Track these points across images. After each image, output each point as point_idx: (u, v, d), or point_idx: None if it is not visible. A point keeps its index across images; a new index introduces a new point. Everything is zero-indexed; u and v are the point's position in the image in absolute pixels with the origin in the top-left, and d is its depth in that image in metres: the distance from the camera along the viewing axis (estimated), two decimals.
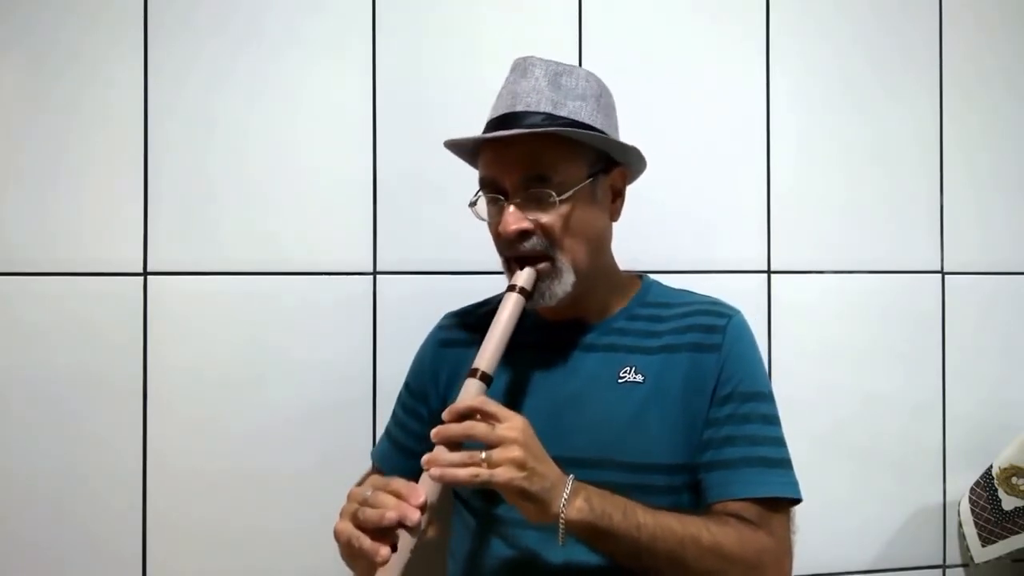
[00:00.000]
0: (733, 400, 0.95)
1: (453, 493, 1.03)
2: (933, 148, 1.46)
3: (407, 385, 1.13)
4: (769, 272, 1.40)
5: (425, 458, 0.80)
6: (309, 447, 1.24)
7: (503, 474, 0.77)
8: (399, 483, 0.80)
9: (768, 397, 0.98)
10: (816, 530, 1.35)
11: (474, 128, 1.30)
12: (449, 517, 1.08)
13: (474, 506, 0.99)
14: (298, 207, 1.26)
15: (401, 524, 0.76)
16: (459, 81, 1.31)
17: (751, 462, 0.92)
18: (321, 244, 1.27)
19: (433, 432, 0.81)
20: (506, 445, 0.79)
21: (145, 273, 1.22)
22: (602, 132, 0.95)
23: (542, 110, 0.93)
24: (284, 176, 1.26)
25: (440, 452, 0.80)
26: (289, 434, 1.25)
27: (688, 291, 1.08)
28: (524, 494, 0.79)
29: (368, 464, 1.17)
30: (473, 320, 1.10)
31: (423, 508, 0.78)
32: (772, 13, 1.40)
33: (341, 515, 0.82)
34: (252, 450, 1.24)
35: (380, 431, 1.19)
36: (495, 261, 1.30)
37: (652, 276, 1.11)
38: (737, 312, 1.01)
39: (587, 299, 1.00)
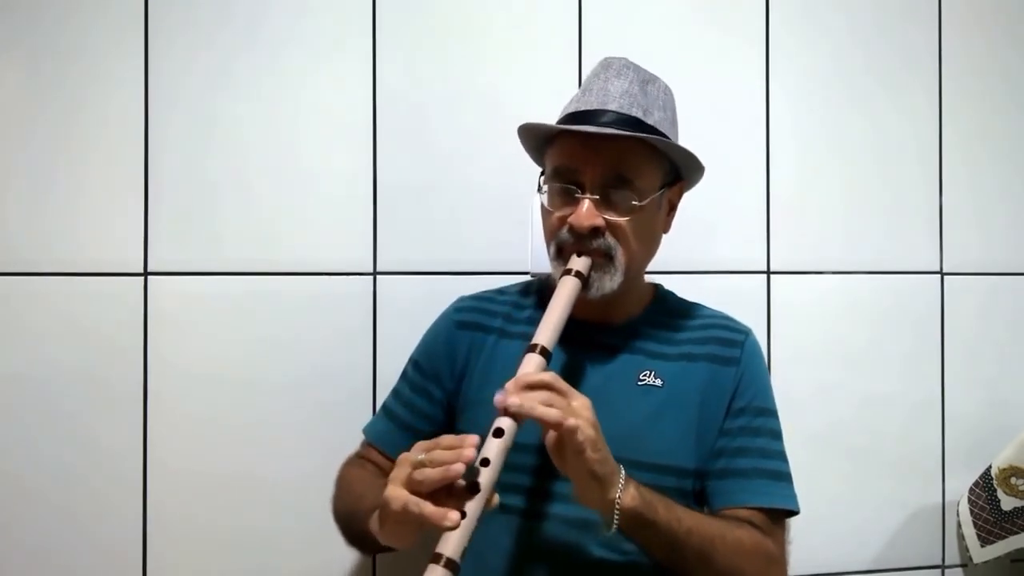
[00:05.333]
0: (747, 413, 0.99)
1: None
2: (932, 148, 1.47)
3: (416, 363, 1.11)
4: (769, 272, 1.40)
5: (499, 398, 0.78)
6: (309, 447, 1.24)
7: (586, 448, 0.78)
8: (449, 439, 0.78)
9: (776, 415, 1.02)
10: (815, 530, 1.35)
11: (475, 127, 1.31)
12: None
13: (514, 506, 0.97)
14: (298, 207, 1.26)
15: (467, 488, 0.75)
16: (459, 81, 1.31)
17: (761, 474, 0.96)
18: (321, 244, 1.27)
19: (499, 398, 0.79)
20: (582, 421, 0.79)
21: (145, 273, 1.22)
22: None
23: (633, 114, 0.95)
24: (284, 176, 1.26)
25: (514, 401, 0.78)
26: (289, 434, 1.25)
27: (700, 304, 1.11)
28: (593, 475, 0.79)
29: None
30: (493, 307, 1.10)
31: (485, 463, 0.76)
32: (772, 13, 1.41)
33: (391, 481, 0.78)
34: (252, 450, 1.24)
35: None
36: (495, 261, 1.31)
37: (658, 279, 1.14)
38: (751, 330, 1.06)
39: (615, 301, 1.01)
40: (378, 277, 1.28)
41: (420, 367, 1.10)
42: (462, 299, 1.14)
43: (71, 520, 1.19)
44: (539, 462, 0.96)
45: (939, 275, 1.46)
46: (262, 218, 1.25)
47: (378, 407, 1.25)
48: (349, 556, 1.25)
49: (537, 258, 1.30)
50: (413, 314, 1.21)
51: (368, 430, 1.11)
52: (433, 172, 1.30)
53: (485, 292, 1.15)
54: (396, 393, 1.11)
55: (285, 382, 1.25)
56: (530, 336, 0.88)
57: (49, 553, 1.18)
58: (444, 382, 1.07)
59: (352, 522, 0.97)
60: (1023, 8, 1.50)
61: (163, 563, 1.21)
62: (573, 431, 0.77)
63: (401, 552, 1.31)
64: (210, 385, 1.23)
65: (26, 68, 1.20)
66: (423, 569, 0.73)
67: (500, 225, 1.31)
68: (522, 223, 1.31)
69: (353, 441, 1.12)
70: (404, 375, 1.12)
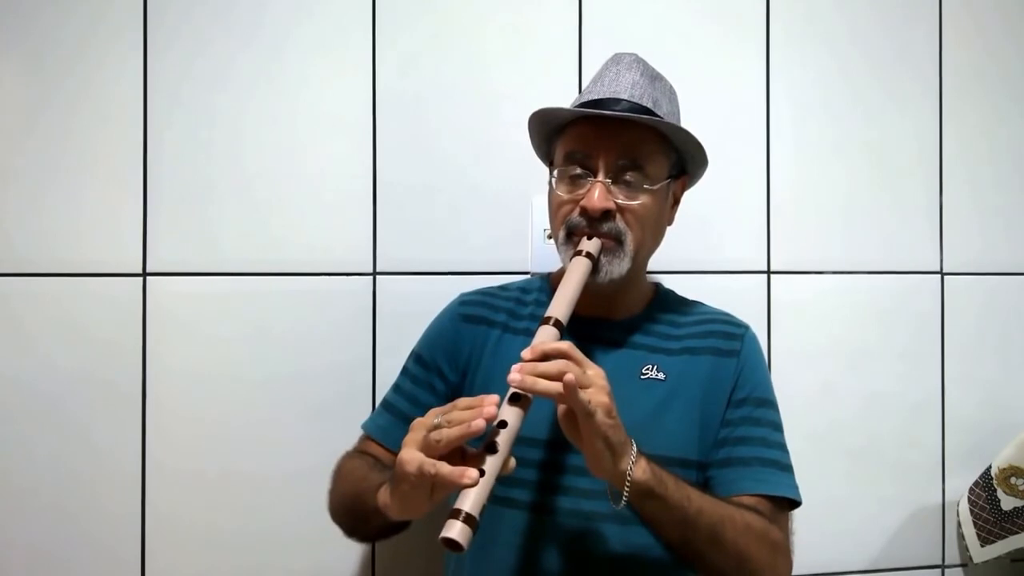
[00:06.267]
0: (748, 404, 1.00)
1: (496, 499, 0.94)
2: (932, 149, 1.47)
3: (418, 357, 1.10)
4: (769, 272, 1.40)
5: (514, 373, 0.77)
6: (309, 447, 1.24)
7: (597, 412, 0.77)
8: (467, 400, 0.78)
9: (776, 408, 1.03)
10: (815, 530, 1.35)
11: (475, 127, 1.31)
12: None
13: (521, 500, 0.97)
14: (298, 207, 1.26)
15: (486, 448, 0.75)
16: (459, 81, 1.31)
17: (764, 462, 0.97)
18: (321, 244, 1.27)
19: (516, 368, 0.79)
20: (596, 388, 0.79)
21: (145, 273, 1.22)
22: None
23: (645, 104, 0.98)
24: (284, 176, 1.26)
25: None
26: (289, 434, 1.25)
27: (699, 302, 1.13)
28: (606, 441, 0.79)
29: None
30: (497, 302, 1.10)
31: (503, 425, 0.76)
32: (772, 14, 1.41)
33: (405, 444, 0.77)
34: (252, 450, 1.24)
35: None
36: (495, 261, 1.31)
37: (658, 279, 1.15)
38: (750, 326, 1.08)
39: (618, 296, 1.03)
40: (378, 277, 1.28)
41: (423, 360, 1.10)
42: (465, 294, 1.15)
43: (70, 520, 1.19)
44: (546, 456, 0.97)
45: (939, 275, 1.46)
46: (261, 218, 1.25)
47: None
48: (349, 556, 1.25)
49: (537, 258, 1.30)
50: (413, 314, 1.21)
51: (368, 425, 1.10)
52: (433, 172, 1.30)
53: (488, 288, 1.15)
54: (397, 388, 1.11)
55: (285, 382, 1.25)
56: (533, 332, 0.88)
57: (49, 553, 1.18)
58: (447, 375, 1.07)
59: (355, 503, 0.95)
60: (1023, 8, 1.50)
61: (162, 563, 1.21)
62: (572, 386, 0.76)
63: (401, 552, 1.31)
64: (209, 385, 1.23)
65: (26, 68, 1.20)
66: (440, 526, 0.71)
67: (500, 225, 1.31)
68: (522, 223, 1.31)
69: (352, 442, 1.12)
70: (405, 370, 1.12)
